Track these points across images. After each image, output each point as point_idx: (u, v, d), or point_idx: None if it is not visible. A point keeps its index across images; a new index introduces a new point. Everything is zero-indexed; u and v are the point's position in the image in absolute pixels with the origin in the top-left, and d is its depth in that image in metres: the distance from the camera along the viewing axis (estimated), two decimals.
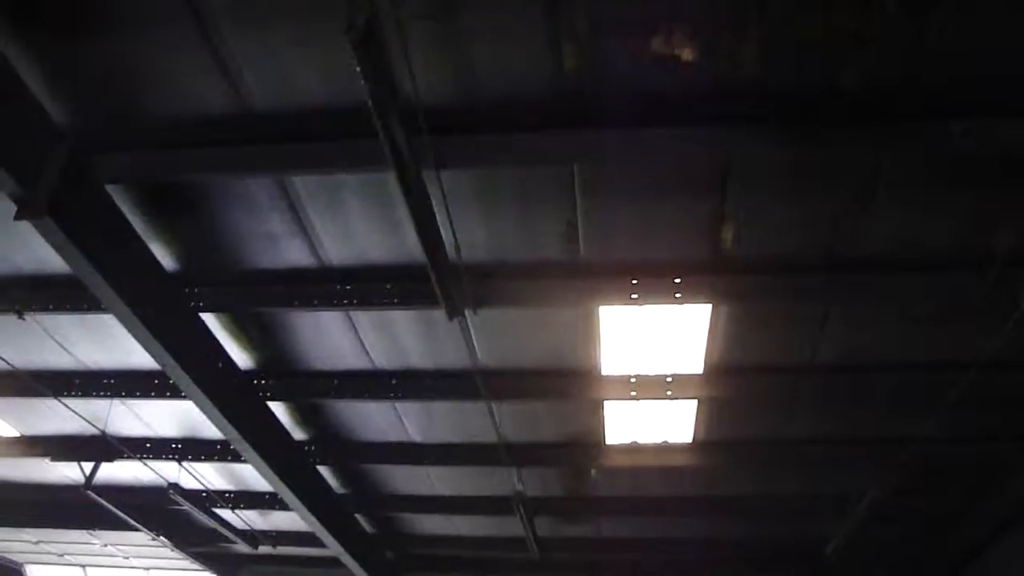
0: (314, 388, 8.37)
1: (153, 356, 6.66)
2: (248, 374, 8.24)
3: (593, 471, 10.19)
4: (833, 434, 9.01)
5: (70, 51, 5.03)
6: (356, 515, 11.82)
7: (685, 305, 6.62)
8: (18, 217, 5.12)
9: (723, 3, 4.46)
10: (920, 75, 4.80)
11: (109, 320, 7.21)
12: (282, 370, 8.29)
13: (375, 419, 9.23)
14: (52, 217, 5.17)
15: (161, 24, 4.80)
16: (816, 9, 4.45)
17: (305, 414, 9.24)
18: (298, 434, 9.57)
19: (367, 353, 7.86)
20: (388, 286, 6.74)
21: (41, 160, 5.13)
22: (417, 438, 9.58)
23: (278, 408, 8.89)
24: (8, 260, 7.09)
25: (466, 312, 6.43)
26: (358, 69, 4.14)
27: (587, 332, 7.24)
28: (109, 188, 5.86)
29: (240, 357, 7.99)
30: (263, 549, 12.89)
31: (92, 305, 7.02)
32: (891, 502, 10.07)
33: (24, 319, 7.36)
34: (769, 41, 4.62)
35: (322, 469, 10.30)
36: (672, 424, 8.78)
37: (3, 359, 8.30)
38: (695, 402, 8.32)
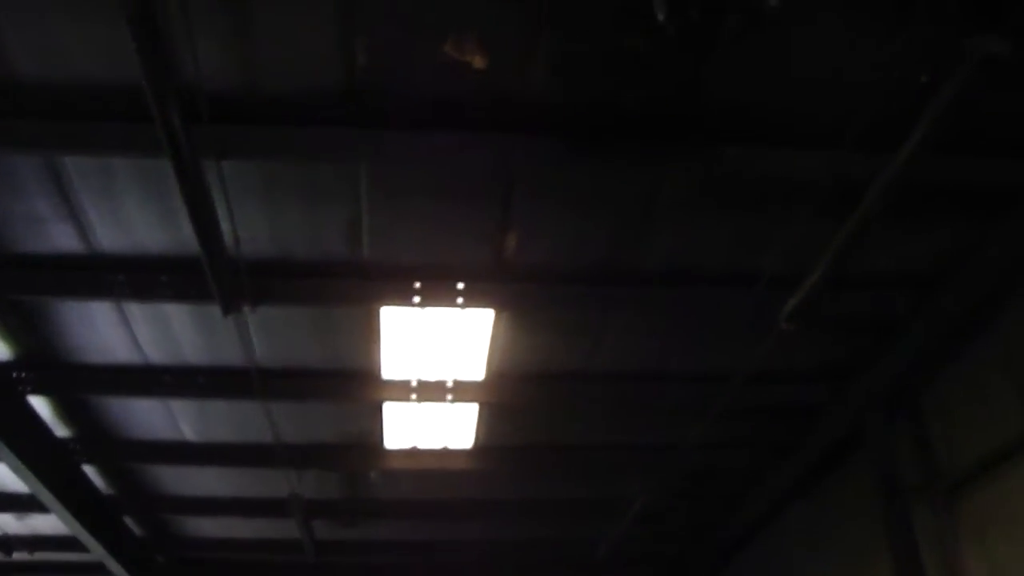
0: (80, 382, 7.91)
1: None
2: (5, 365, 7.65)
3: (372, 474, 10.13)
4: (608, 441, 9.38)
5: None
6: (124, 517, 11.23)
7: (468, 310, 6.71)
8: None
9: (515, 13, 4.53)
10: (699, 101, 5.07)
11: None
12: (45, 362, 7.73)
13: (146, 416, 8.78)
14: None
15: None
16: (604, 27, 4.60)
17: (70, 410, 8.67)
18: (61, 431, 8.97)
19: (139, 347, 7.48)
20: (164, 278, 6.40)
21: None
22: (191, 437, 9.22)
23: (39, 403, 8.30)
24: None
25: (244, 308, 6.26)
26: (134, 46, 3.94)
27: (369, 334, 7.20)
28: None
29: None
30: (18, 556, 12.01)
31: None
32: (659, 506, 10.60)
33: None
34: (558, 55, 4.75)
35: (87, 468, 9.71)
36: (453, 429, 8.85)
37: None
38: (476, 407, 8.42)
